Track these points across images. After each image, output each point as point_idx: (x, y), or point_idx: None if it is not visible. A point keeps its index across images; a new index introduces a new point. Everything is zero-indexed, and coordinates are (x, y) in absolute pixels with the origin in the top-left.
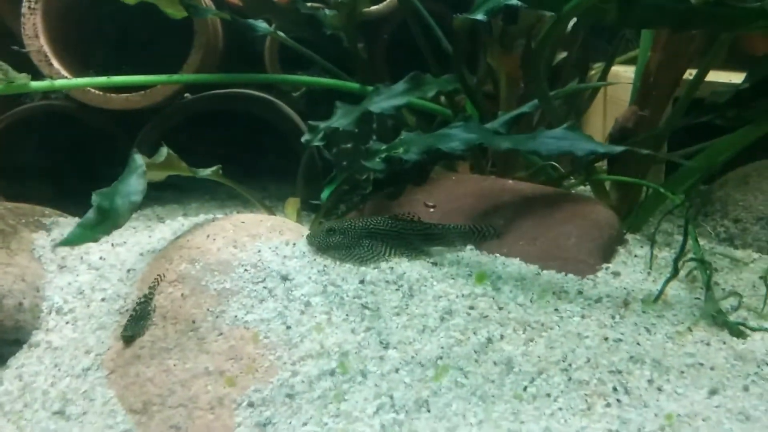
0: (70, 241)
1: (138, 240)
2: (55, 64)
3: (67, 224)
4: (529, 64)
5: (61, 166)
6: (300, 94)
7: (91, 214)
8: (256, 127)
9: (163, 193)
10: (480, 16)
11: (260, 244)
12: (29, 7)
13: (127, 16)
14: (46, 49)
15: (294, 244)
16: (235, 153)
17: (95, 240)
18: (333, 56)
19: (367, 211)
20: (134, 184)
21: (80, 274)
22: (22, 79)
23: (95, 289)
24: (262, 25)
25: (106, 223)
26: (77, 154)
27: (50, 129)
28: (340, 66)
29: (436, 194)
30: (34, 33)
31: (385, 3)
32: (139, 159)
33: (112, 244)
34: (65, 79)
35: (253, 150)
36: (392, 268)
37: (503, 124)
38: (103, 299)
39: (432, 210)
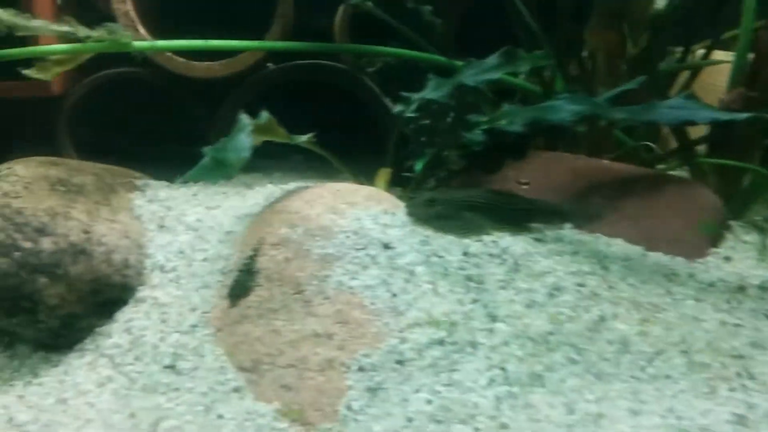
0: (193, 177)
1: (232, 204)
2: (141, 29)
3: (158, 186)
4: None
5: (136, 135)
6: (374, 70)
7: (206, 161)
8: (336, 99)
9: None
10: None
11: (359, 211)
12: None
13: None
14: (133, 14)
15: (393, 213)
16: (315, 124)
17: (214, 181)
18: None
19: (457, 185)
20: (243, 141)
21: (179, 234)
22: (126, 38)
23: (195, 249)
24: None
25: (221, 169)
26: (153, 123)
27: (127, 97)
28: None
29: (527, 171)
30: None
31: None
32: (246, 119)
33: (207, 207)
34: (165, 41)
35: (334, 122)
36: (495, 241)
37: (608, 99)
38: (204, 259)
39: (525, 187)
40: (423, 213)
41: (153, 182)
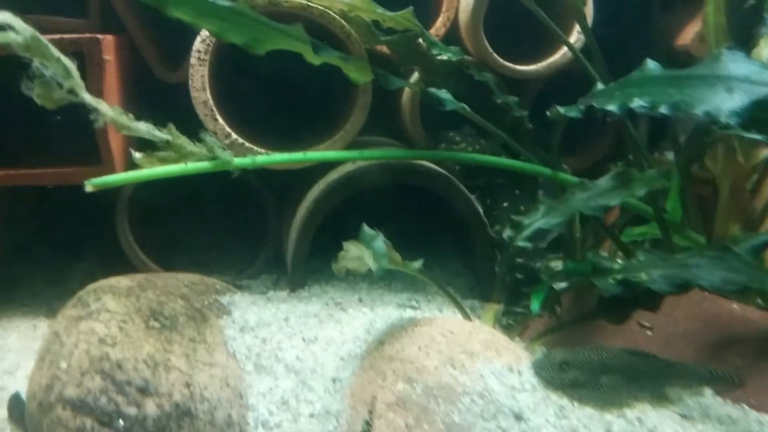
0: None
1: (329, 336)
2: (220, 119)
3: (244, 304)
4: None
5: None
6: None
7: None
8: (422, 203)
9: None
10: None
11: (481, 366)
12: (199, 59)
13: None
14: (212, 103)
15: (519, 371)
16: (401, 230)
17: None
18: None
19: (568, 316)
20: (380, 246)
21: (279, 377)
22: (226, 156)
23: (300, 400)
24: (446, 96)
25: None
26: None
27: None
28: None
29: (649, 312)
30: (202, 85)
31: (546, 63)
32: (369, 230)
33: (304, 339)
34: (264, 156)
35: (421, 229)
36: (639, 418)
37: (752, 249)
38: (311, 415)
39: (649, 333)
40: (556, 378)
41: (237, 297)
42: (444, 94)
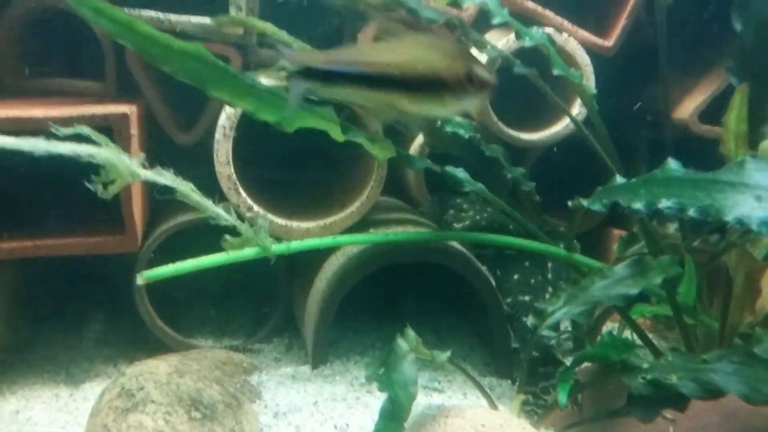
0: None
1: (360, 423)
2: (242, 192)
3: (273, 384)
4: None
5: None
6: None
7: (386, 407)
8: (433, 275)
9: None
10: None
11: None
12: (224, 134)
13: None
14: (235, 177)
15: None
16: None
17: None
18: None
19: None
20: (409, 374)
21: None
22: (266, 243)
23: None
24: (464, 175)
25: (396, 419)
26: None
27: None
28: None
29: None
30: (226, 160)
31: (549, 133)
32: (404, 345)
33: (335, 426)
34: (297, 242)
35: (432, 299)
36: None
37: None
38: None
39: (671, 429)
40: None
41: (264, 377)
42: (461, 173)
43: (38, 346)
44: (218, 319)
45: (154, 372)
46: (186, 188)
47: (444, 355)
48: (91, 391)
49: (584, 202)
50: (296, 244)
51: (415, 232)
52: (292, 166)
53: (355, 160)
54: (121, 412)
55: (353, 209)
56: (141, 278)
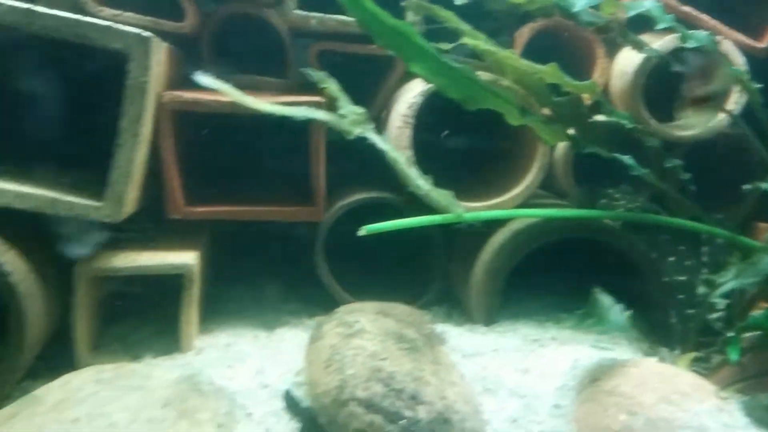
0: None
1: (539, 368)
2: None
3: (452, 333)
4: None
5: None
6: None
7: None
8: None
9: None
10: None
11: (693, 405)
12: (405, 122)
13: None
14: (413, 160)
15: (729, 412)
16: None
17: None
18: None
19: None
20: (620, 314)
21: (504, 399)
22: (460, 210)
23: (528, 420)
24: (631, 161)
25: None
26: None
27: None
28: None
29: None
30: (407, 144)
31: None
32: (606, 298)
33: (516, 369)
34: (485, 212)
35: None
36: None
37: None
38: None
39: None
40: (766, 418)
41: (446, 327)
42: (629, 159)
43: (232, 301)
44: (380, 289)
45: (362, 311)
46: (402, 158)
47: (627, 313)
48: (284, 335)
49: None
50: (484, 214)
51: (591, 211)
52: (448, 152)
53: (512, 147)
54: (344, 337)
55: (517, 192)
56: (363, 231)
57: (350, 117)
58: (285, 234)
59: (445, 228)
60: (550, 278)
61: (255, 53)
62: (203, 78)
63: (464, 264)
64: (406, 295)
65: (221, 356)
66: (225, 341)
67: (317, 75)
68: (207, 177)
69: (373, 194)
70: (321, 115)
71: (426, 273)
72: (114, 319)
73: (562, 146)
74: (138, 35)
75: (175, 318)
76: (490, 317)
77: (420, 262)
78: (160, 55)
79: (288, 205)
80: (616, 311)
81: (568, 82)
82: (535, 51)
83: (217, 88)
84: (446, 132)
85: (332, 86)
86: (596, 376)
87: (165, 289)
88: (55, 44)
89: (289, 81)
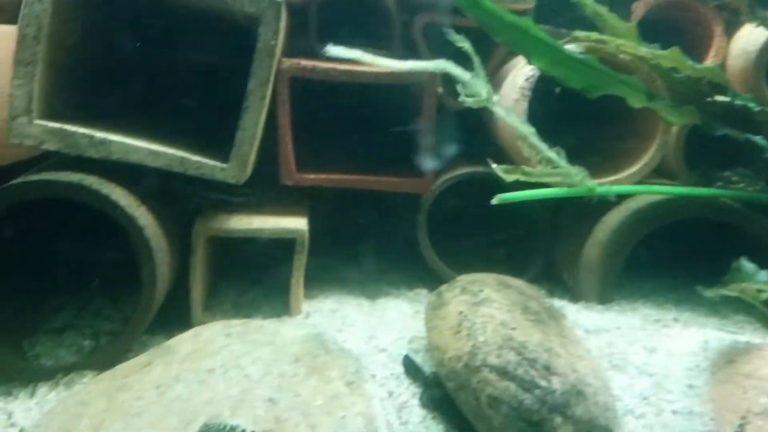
0: None
1: (667, 348)
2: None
3: (570, 309)
4: None
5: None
6: None
7: None
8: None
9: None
10: None
11: None
12: (522, 94)
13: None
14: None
15: None
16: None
17: None
18: None
19: None
20: None
21: (633, 377)
22: (591, 184)
23: (659, 398)
24: (764, 142)
25: None
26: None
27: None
28: None
29: None
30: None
31: None
32: (751, 265)
33: (644, 347)
34: (617, 186)
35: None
36: None
37: None
38: (674, 411)
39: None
40: None
41: (564, 303)
42: (761, 140)
43: (329, 269)
44: (479, 265)
45: (484, 281)
46: (530, 131)
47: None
48: (386, 305)
49: None
50: (616, 188)
51: (721, 190)
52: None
53: (622, 126)
54: (472, 305)
55: (636, 169)
56: (497, 199)
57: (480, 82)
58: (380, 205)
59: (546, 205)
60: (656, 260)
61: (359, 25)
62: (333, 48)
63: (575, 243)
64: (506, 271)
65: (329, 321)
66: (330, 307)
67: (451, 36)
68: (311, 145)
69: (479, 168)
70: (458, 71)
71: (525, 251)
72: (222, 281)
73: (675, 129)
74: (271, 0)
75: (278, 283)
76: (606, 296)
77: (519, 240)
78: (284, 21)
79: (395, 175)
80: (763, 273)
81: (690, 66)
82: (642, 28)
83: (349, 57)
84: (557, 108)
85: (467, 47)
86: (732, 359)
87: (268, 253)
88: (182, 10)
89: (394, 53)
